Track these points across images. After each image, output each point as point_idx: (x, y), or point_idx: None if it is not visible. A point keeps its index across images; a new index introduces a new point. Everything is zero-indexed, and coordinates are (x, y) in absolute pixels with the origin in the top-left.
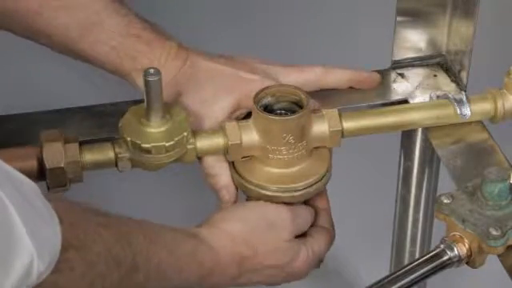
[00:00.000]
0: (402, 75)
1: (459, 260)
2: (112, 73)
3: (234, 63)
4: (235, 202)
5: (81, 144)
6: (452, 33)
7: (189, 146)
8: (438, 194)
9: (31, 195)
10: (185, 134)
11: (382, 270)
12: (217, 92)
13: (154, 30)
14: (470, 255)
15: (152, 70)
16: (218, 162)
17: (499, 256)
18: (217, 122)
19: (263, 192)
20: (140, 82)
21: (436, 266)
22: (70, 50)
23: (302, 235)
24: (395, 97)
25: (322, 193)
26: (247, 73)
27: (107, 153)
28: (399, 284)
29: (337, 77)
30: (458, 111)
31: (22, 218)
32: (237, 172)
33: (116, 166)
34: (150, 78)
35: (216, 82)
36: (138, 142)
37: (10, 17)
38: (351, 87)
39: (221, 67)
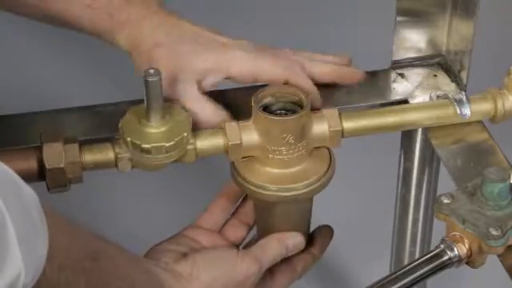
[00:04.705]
0: (402, 75)
1: (459, 260)
2: (91, 34)
3: (216, 31)
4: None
5: (81, 144)
6: (452, 33)
7: (189, 147)
8: (437, 194)
9: (29, 205)
10: (185, 134)
11: (382, 270)
12: (196, 48)
13: None
14: (470, 255)
15: (152, 71)
16: (198, 98)
17: (499, 256)
18: (192, 76)
19: (263, 192)
20: (120, 37)
21: (436, 266)
22: (47, 15)
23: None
24: (395, 97)
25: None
26: (229, 39)
27: (107, 153)
28: (399, 284)
29: (319, 67)
30: (458, 111)
31: (16, 229)
32: (237, 172)
33: (116, 166)
34: (150, 79)
35: (196, 41)
36: (138, 142)
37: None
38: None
39: (203, 31)
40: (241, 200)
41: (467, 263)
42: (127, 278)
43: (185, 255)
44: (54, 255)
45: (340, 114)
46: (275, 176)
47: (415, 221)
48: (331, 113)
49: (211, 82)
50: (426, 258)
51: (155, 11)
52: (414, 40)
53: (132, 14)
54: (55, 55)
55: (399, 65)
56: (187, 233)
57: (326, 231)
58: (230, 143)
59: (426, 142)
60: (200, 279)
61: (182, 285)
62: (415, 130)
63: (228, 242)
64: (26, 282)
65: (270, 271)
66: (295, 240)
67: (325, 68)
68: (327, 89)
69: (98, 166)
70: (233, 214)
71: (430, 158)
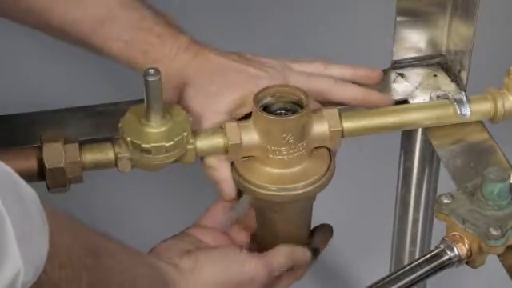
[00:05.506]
0: (401, 75)
1: (459, 260)
2: (126, 66)
3: (245, 60)
4: (235, 196)
5: (81, 144)
6: (452, 33)
7: (189, 147)
8: (437, 194)
9: (29, 204)
10: (185, 134)
11: (382, 270)
12: (223, 86)
13: (167, 23)
14: (470, 255)
15: (152, 71)
16: (218, 155)
17: (499, 256)
18: (220, 116)
19: (263, 192)
20: None
21: (436, 266)
22: (83, 44)
23: None
24: (395, 97)
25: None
26: (256, 70)
27: (107, 153)
28: (399, 284)
29: (348, 90)
30: (458, 111)
31: (15, 228)
32: (237, 172)
33: (116, 166)
34: (150, 78)
35: (224, 77)
36: (138, 142)
37: (24, 12)
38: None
39: (231, 63)
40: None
41: (467, 263)
42: (129, 272)
43: (188, 252)
44: (54, 253)
45: (340, 113)
46: (275, 176)
47: (415, 221)
48: (331, 113)
49: (241, 114)
50: (425, 257)
51: (186, 47)
52: (413, 40)
53: (164, 53)
54: (55, 55)
55: (399, 65)
56: (191, 231)
57: (326, 230)
58: (229, 143)
59: (426, 142)
60: (203, 274)
61: (185, 278)
62: (415, 130)
63: (231, 242)
64: (25, 280)
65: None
66: (302, 255)
67: (352, 94)
68: None
69: (97, 165)
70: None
71: (429, 158)
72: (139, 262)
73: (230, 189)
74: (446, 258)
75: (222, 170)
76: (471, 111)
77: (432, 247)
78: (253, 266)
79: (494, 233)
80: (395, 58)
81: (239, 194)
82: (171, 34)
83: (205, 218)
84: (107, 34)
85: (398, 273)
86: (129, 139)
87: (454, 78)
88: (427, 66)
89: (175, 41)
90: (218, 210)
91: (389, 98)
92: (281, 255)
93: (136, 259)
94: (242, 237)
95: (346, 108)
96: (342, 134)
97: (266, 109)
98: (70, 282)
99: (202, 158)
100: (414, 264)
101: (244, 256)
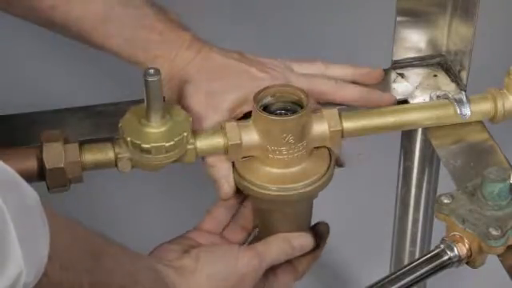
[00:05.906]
0: (402, 75)
1: (459, 260)
2: (127, 62)
3: (247, 60)
4: (233, 195)
5: (81, 144)
6: (452, 33)
7: (189, 147)
8: (437, 194)
9: (30, 205)
10: (185, 134)
11: (382, 270)
12: (225, 85)
13: (169, 20)
14: (470, 255)
15: (152, 71)
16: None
17: (499, 256)
18: (219, 114)
19: (263, 192)
20: None
21: (436, 266)
22: (84, 40)
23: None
24: (395, 97)
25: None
26: (258, 71)
27: (107, 153)
28: (399, 284)
29: (348, 91)
30: (458, 111)
31: (16, 229)
32: (237, 172)
33: (116, 166)
34: (150, 79)
35: (225, 77)
36: (138, 142)
37: (27, 9)
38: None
39: (233, 62)
40: (241, 203)
41: (467, 263)
42: (130, 276)
43: (187, 251)
44: (55, 255)
45: (340, 113)
46: (275, 176)
47: (415, 221)
48: (331, 113)
49: (241, 114)
50: (425, 257)
51: (188, 45)
52: (413, 40)
53: (166, 51)
54: (56, 55)
55: (399, 65)
56: (189, 235)
57: (323, 228)
58: (229, 143)
59: (426, 142)
60: (203, 273)
61: (185, 278)
62: (415, 130)
63: (228, 243)
64: (27, 282)
65: (273, 270)
66: (302, 240)
67: (353, 95)
68: None
69: (98, 165)
70: (233, 218)
71: (430, 157)
72: (140, 265)
73: (226, 186)
74: (445, 257)
75: (221, 168)
76: (471, 111)
77: (432, 247)
78: (245, 260)
79: (494, 233)
80: (395, 58)
81: (238, 193)
82: (173, 32)
83: (205, 222)
84: (108, 32)
85: (398, 273)
86: (129, 139)
87: (454, 77)
88: (427, 65)
89: (177, 38)
90: (219, 212)
91: (390, 96)
92: (273, 243)
93: (137, 262)
94: (239, 237)
95: (345, 108)
96: (342, 133)
97: (266, 109)
98: (72, 283)
99: (203, 158)
100: (414, 264)
101: (237, 251)
